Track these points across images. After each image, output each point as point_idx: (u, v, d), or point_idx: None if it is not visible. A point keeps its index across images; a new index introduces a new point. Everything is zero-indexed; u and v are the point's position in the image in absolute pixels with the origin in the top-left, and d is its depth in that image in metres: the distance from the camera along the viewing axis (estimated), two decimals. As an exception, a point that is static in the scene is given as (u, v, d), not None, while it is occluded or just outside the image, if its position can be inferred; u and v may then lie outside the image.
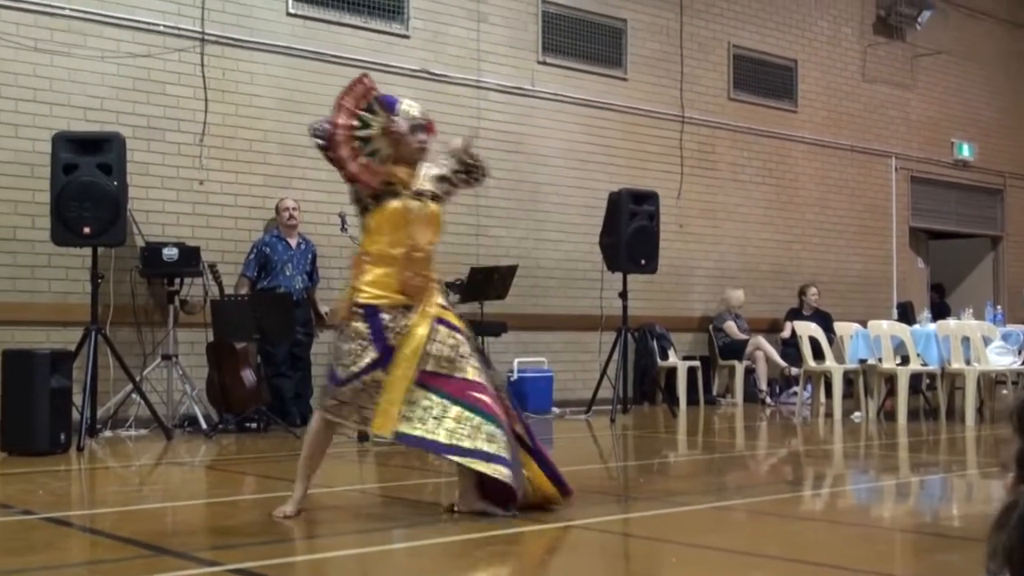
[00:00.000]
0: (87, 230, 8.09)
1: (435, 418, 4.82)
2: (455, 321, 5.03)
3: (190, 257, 9.12)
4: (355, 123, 4.85)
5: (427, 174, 5.11)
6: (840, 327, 11.31)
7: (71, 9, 9.18)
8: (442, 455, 4.96)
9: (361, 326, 4.86)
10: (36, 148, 8.82)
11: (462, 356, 4.93)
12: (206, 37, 9.80)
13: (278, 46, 10.20)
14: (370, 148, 4.89)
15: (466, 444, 4.76)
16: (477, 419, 4.81)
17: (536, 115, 11.99)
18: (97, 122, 9.13)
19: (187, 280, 9.35)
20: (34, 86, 9.02)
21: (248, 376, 9.13)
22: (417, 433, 4.81)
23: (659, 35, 13.04)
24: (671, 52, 13.14)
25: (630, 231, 10.69)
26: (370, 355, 4.84)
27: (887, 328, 10.67)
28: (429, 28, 11.22)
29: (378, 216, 4.94)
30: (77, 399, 8.02)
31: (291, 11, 10.32)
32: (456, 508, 4.99)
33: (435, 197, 5.06)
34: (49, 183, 8.22)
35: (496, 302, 10.25)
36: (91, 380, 8.14)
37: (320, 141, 4.86)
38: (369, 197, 4.94)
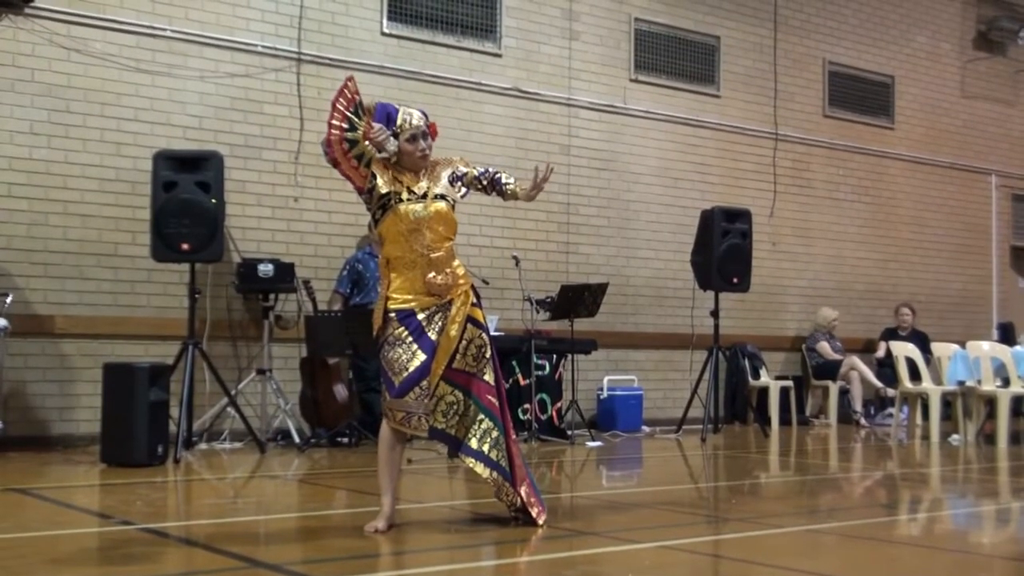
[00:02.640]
0: (185, 246, 8.26)
1: (457, 414, 5.12)
2: (484, 320, 5.20)
3: (285, 273, 9.26)
4: (345, 125, 4.98)
5: (443, 174, 5.21)
6: (938, 348, 11.07)
7: (172, 30, 9.40)
8: (456, 450, 5.20)
9: (400, 330, 5.01)
10: (137, 166, 9.05)
11: (485, 357, 5.16)
12: (302, 57, 9.97)
13: (373, 65, 10.33)
14: (356, 150, 5.01)
15: (473, 444, 5.12)
16: (488, 422, 5.13)
17: (628, 133, 11.97)
18: (196, 141, 9.34)
19: (282, 296, 9.50)
20: (136, 105, 9.25)
21: (340, 391, 9.23)
22: (440, 427, 5.11)
23: (752, 52, 12.94)
24: (765, 69, 13.03)
25: (722, 249, 10.60)
26: (420, 358, 4.99)
27: (987, 349, 10.42)
28: (521, 47, 11.27)
29: (387, 224, 5.06)
30: (174, 412, 8.18)
31: (385, 31, 10.44)
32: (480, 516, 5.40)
33: (442, 197, 5.12)
34: (149, 200, 8.43)
35: (586, 320, 10.22)
36: (188, 394, 8.29)
37: (323, 147, 5.03)
38: (378, 208, 5.06)
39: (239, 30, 9.74)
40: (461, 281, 5.13)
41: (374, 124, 5.00)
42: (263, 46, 9.83)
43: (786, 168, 13.17)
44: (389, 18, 10.46)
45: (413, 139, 5.08)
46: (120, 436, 7.65)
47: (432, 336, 5.02)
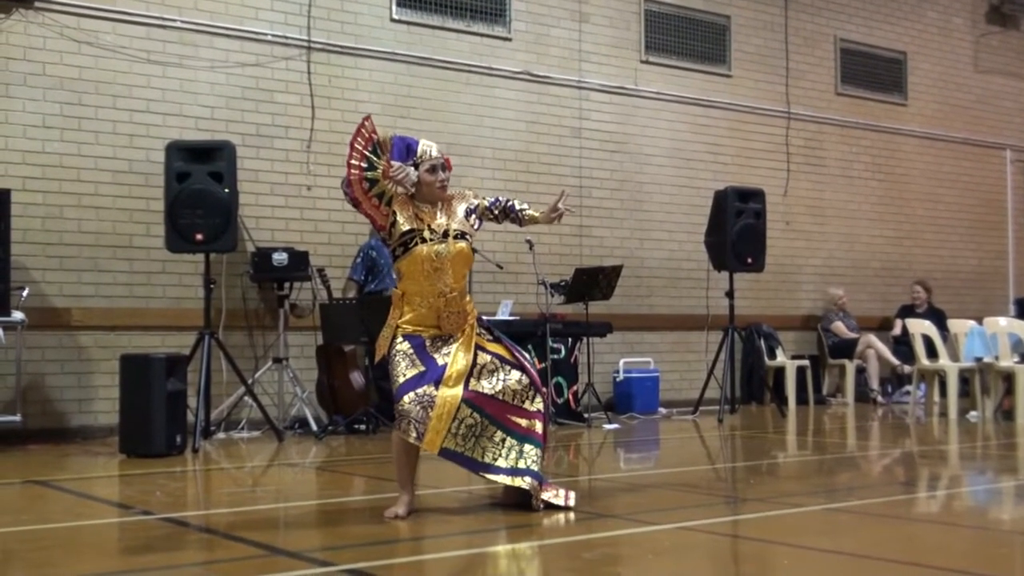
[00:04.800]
0: (200, 237, 8.28)
1: (476, 436, 5.12)
2: (491, 347, 5.24)
3: (299, 262, 9.27)
4: (364, 164, 5.04)
5: (458, 209, 5.24)
6: (954, 324, 11.03)
7: (182, 21, 9.40)
8: (477, 473, 5.20)
9: (406, 345, 5.08)
10: (150, 157, 9.06)
11: (500, 380, 5.18)
12: (312, 45, 9.96)
13: (383, 52, 10.32)
14: (376, 189, 5.06)
15: (501, 464, 5.13)
16: (511, 440, 5.15)
17: (639, 114, 11.93)
18: (208, 131, 9.35)
19: (296, 284, 9.51)
20: (147, 97, 9.26)
21: (356, 378, 9.25)
22: (459, 450, 5.10)
23: (763, 31, 12.88)
24: (776, 48, 12.97)
25: (736, 229, 10.58)
26: (418, 368, 5.04)
27: (1005, 325, 10.38)
28: (531, 30, 11.24)
29: (407, 263, 5.11)
30: (192, 402, 8.21)
31: (395, 17, 10.42)
32: (502, 501, 5.36)
33: (462, 235, 5.18)
34: (163, 191, 8.44)
35: (601, 302, 10.22)
36: (205, 383, 8.31)
37: (343, 188, 5.10)
38: (398, 245, 5.10)
39: (249, 19, 9.73)
40: (471, 316, 5.23)
41: (393, 162, 5.01)
42: (273, 35, 9.82)
43: (799, 147, 13.12)
44: (398, 4, 10.44)
45: (433, 170, 5.14)
46: (138, 427, 7.69)
47: (434, 356, 5.08)
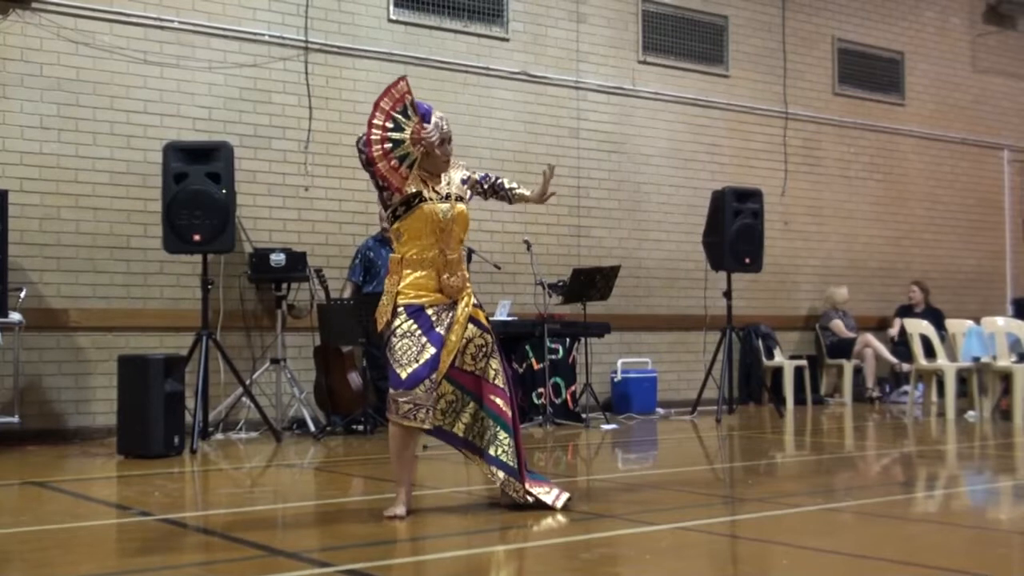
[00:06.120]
0: (197, 237, 8.27)
1: (456, 412, 5.20)
2: (484, 321, 5.23)
3: (297, 262, 9.26)
4: (389, 124, 4.94)
5: (455, 176, 5.26)
6: (952, 324, 11.04)
7: (179, 22, 9.39)
8: (457, 448, 5.28)
9: (410, 323, 5.01)
10: (148, 158, 9.06)
11: (486, 356, 5.20)
12: (310, 45, 9.96)
13: (380, 52, 10.32)
14: (400, 151, 4.97)
15: (476, 442, 5.20)
16: (489, 421, 5.19)
17: (637, 115, 11.93)
18: (206, 132, 9.34)
19: (294, 285, 9.51)
20: (145, 98, 9.25)
21: (354, 379, 9.25)
22: (436, 423, 5.14)
23: (761, 31, 12.89)
24: (774, 48, 12.97)
25: (734, 229, 10.58)
26: (429, 351, 4.99)
27: (1002, 325, 10.39)
28: (529, 30, 11.24)
29: (410, 221, 5.06)
30: (190, 403, 8.20)
31: (392, 17, 10.42)
32: (499, 502, 5.34)
33: (459, 198, 5.19)
34: (160, 192, 8.44)
35: (599, 303, 10.22)
36: (203, 384, 8.31)
37: (359, 147, 4.99)
38: (400, 204, 5.05)
39: (246, 20, 9.73)
40: (469, 284, 5.22)
41: (426, 124, 4.96)
42: (270, 35, 9.82)
43: (797, 147, 13.13)
44: (396, 4, 10.44)
45: (442, 143, 5.11)
46: (136, 428, 7.68)
47: (440, 331, 5.04)
